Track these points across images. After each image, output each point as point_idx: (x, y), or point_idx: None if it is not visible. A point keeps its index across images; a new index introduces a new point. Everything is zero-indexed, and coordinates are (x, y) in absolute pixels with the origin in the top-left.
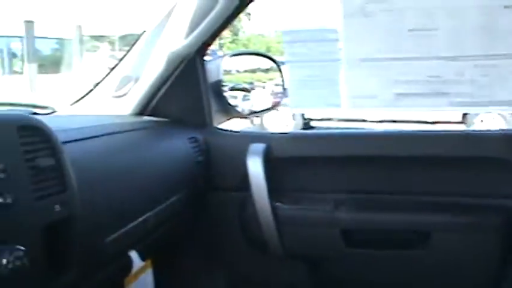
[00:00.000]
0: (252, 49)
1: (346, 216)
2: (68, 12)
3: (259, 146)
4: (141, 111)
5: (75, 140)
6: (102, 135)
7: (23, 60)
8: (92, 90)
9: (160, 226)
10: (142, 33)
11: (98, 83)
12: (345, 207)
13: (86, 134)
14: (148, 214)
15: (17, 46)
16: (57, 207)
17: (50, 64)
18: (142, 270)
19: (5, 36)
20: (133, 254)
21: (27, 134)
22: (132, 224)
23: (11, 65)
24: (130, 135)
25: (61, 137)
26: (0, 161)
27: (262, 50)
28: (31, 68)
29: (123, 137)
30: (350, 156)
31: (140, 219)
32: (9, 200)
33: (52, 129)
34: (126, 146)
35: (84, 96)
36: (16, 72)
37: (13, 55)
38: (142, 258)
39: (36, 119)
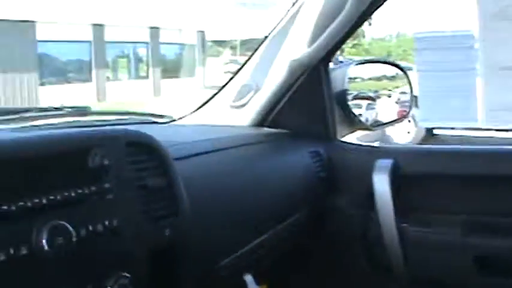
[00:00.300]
0: (374, 55)
1: (480, 242)
2: (191, 18)
3: (386, 162)
4: (261, 122)
5: (188, 156)
6: (218, 150)
7: (147, 65)
8: (211, 99)
9: (278, 247)
10: (264, 40)
11: (218, 91)
12: (479, 231)
13: (200, 149)
14: (265, 236)
15: (142, 52)
16: (167, 231)
17: (173, 69)
18: None
19: (132, 42)
20: (249, 278)
21: (137, 151)
22: (247, 247)
23: (137, 70)
24: (248, 149)
25: (173, 153)
26: (107, 181)
27: (383, 55)
28: (155, 72)
29: (240, 151)
30: (485, 175)
31: (256, 241)
32: (115, 223)
33: (163, 146)
34: (244, 161)
35: (203, 105)
36: (141, 77)
37: (139, 60)
38: (257, 281)
39: (146, 135)
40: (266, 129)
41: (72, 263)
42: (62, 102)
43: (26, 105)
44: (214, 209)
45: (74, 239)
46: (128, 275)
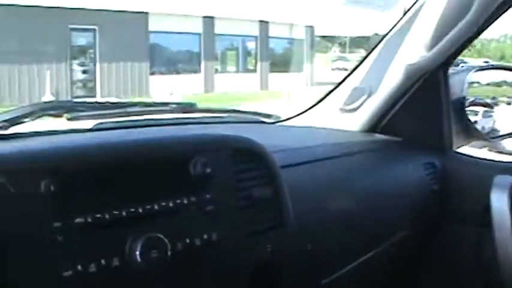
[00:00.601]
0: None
1: None
2: (301, 13)
3: (506, 179)
4: (372, 128)
5: (296, 164)
6: (328, 158)
7: (256, 59)
8: (320, 100)
9: (386, 265)
10: (378, 42)
11: (328, 93)
12: None
13: (308, 156)
14: (373, 252)
15: (251, 45)
16: (270, 246)
17: (281, 63)
18: None
19: (241, 35)
20: None
21: (242, 159)
22: (353, 264)
23: (245, 63)
24: (359, 158)
25: (280, 160)
26: (208, 190)
27: (497, 57)
28: (263, 66)
29: (351, 160)
30: None
31: (363, 258)
32: (214, 237)
33: (271, 153)
34: (354, 171)
35: (312, 106)
36: (249, 70)
37: (247, 53)
38: None
39: (253, 142)
40: (378, 136)
41: (166, 278)
42: (171, 90)
43: (136, 93)
44: (321, 223)
45: (169, 253)
46: None
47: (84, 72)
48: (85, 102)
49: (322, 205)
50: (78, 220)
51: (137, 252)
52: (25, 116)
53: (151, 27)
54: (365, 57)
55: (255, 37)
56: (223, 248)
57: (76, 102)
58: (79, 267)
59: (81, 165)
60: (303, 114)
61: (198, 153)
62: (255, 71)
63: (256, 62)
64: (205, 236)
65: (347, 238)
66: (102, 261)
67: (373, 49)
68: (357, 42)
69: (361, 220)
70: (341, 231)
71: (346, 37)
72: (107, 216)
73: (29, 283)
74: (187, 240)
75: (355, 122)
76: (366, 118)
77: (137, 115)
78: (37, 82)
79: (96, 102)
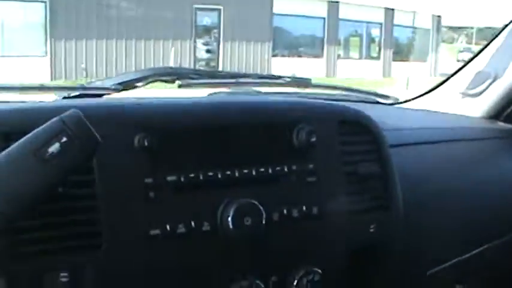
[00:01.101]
0: None
1: None
2: (428, 2)
3: None
4: (495, 115)
5: (408, 144)
6: (444, 141)
7: (379, 46)
8: (441, 84)
9: (502, 259)
10: (504, 27)
11: (449, 77)
12: None
13: (422, 138)
14: (487, 245)
15: (375, 32)
16: (373, 228)
17: (405, 52)
18: None
19: (366, 21)
20: None
21: (350, 132)
22: (464, 256)
23: (368, 50)
24: (478, 145)
25: (391, 138)
26: (311, 160)
27: None
28: (386, 54)
29: (468, 145)
30: None
31: (476, 251)
32: (315, 211)
33: (381, 129)
34: (471, 158)
35: (431, 90)
36: (372, 57)
37: (371, 40)
38: None
39: (363, 114)
40: (501, 124)
41: (258, 249)
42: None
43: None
44: (429, 208)
45: (263, 222)
46: (319, 270)
47: (207, 51)
48: (198, 70)
49: (432, 190)
50: (170, 178)
51: (230, 218)
52: (138, 80)
53: (275, 10)
54: (490, 41)
55: (380, 24)
56: (323, 223)
57: (189, 69)
58: (167, 226)
59: (180, 122)
60: (421, 97)
61: (304, 121)
62: (378, 58)
63: (379, 49)
64: (304, 208)
65: (457, 228)
66: (192, 224)
67: (500, 32)
68: (484, 33)
69: (474, 211)
70: (450, 221)
71: (472, 28)
72: (201, 177)
73: (116, 237)
74: (285, 211)
75: (477, 107)
76: (489, 104)
77: (250, 85)
78: (161, 59)
79: (209, 71)
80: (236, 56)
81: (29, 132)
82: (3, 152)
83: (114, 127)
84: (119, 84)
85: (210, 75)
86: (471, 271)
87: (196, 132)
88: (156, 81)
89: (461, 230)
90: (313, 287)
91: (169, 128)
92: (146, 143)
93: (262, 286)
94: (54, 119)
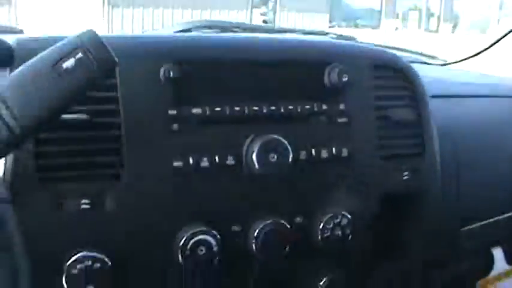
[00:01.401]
0: None
1: None
2: None
3: None
4: None
5: (450, 96)
6: (487, 96)
7: (438, 20)
8: (490, 46)
9: None
10: None
11: (499, 39)
12: None
13: (466, 91)
14: None
15: (435, 7)
16: (407, 175)
17: (464, 26)
18: (506, 274)
19: None
20: (498, 253)
21: (386, 76)
22: (502, 216)
23: (427, 23)
24: None
25: (433, 89)
26: (342, 101)
27: None
28: (446, 28)
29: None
30: None
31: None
32: (344, 153)
33: (418, 76)
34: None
35: (480, 51)
36: (431, 31)
37: (430, 15)
38: (510, 260)
39: (399, 59)
40: None
41: (283, 188)
42: None
43: None
44: (467, 163)
45: (290, 160)
46: (348, 214)
47: (264, 22)
48: (240, 23)
49: (470, 143)
50: (195, 111)
51: (254, 153)
52: (180, 32)
53: None
54: None
55: None
56: (353, 166)
57: (230, 22)
58: (190, 159)
59: (208, 55)
60: (472, 58)
61: (337, 60)
62: (436, 31)
63: (438, 23)
64: (333, 149)
65: (495, 184)
66: (216, 158)
67: None
68: None
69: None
70: (491, 176)
71: None
72: (227, 111)
73: (138, 167)
74: (313, 151)
75: None
76: None
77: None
78: None
79: (252, 25)
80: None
81: None
82: (25, 64)
83: (140, 57)
84: None
85: (252, 28)
86: (507, 233)
87: (225, 66)
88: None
89: (500, 188)
90: (341, 231)
91: (196, 60)
92: (172, 74)
93: (288, 226)
94: (71, 36)
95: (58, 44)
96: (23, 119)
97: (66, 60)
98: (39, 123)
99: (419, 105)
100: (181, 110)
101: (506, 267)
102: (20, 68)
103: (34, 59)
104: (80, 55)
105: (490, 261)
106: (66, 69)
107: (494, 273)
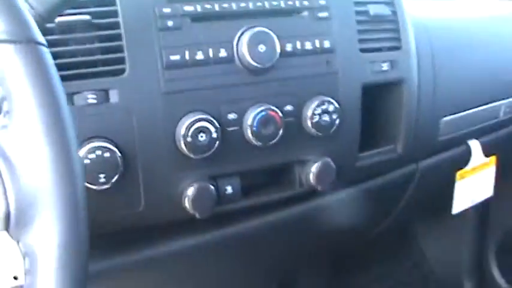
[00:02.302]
0: None
1: None
2: None
3: None
4: None
5: None
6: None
7: None
8: None
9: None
10: None
11: None
12: None
13: None
14: (501, 102)
15: None
16: (385, 66)
17: None
18: (482, 166)
19: None
20: (475, 145)
21: None
22: (477, 109)
23: None
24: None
25: None
26: None
27: None
28: None
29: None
30: None
31: (490, 106)
32: (326, 45)
33: None
34: (492, 12)
35: None
36: None
37: None
38: (485, 153)
39: None
40: None
41: (272, 77)
42: None
43: None
44: (446, 57)
45: (278, 51)
46: (334, 101)
47: None
48: None
49: (451, 40)
50: (187, 8)
51: (244, 45)
52: None
53: None
54: None
55: None
56: (335, 56)
57: None
58: (186, 53)
59: None
60: None
61: None
62: None
63: None
64: (316, 42)
65: (473, 79)
66: (210, 51)
67: None
68: None
69: (489, 65)
70: (466, 70)
71: None
72: (216, 7)
73: (138, 62)
74: (298, 43)
75: None
76: None
77: None
78: None
79: None
80: None
81: None
82: None
83: None
84: None
85: None
86: (484, 126)
87: None
88: None
89: (476, 81)
90: (329, 116)
91: None
92: None
93: (277, 111)
94: None
95: None
96: (40, 6)
97: None
98: (56, 11)
99: (394, 2)
100: (175, 8)
101: (484, 159)
102: None
103: None
104: None
105: (468, 154)
106: None
107: (471, 164)
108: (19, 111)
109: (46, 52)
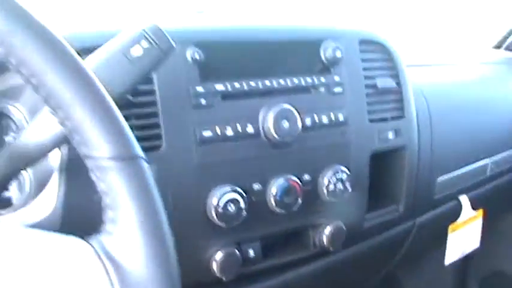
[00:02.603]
0: None
1: None
2: None
3: None
4: (499, 44)
5: (421, 65)
6: (455, 64)
7: None
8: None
9: (499, 176)
10: None
11: None
12: None
13: (434, 61)
14: (487, 160)
15: None
16: (391, 134)
17: None
18: (471, 219)
19: None
20: (464, 200)
21: (369, 50)
22: (468, 168)
23: None
24: (486, 68)
25: (408, 59)
26: (337, 73)
27: None
28: None
29: (478, 68)
30: None
31: (478, 164)
32: (341, 117)
33: (396, 49)
34: (478, 79)
35: None
36: None
37: None
38: (474, 206)
39: (381, 35)
40: (504, 52)
41: (293, 149)
42: None
43: None
44: (441, 121)
45: (299, 126)
46: (346, 170)
47: None
48: None
49: (444, 105)
50: (218, 87)
51: (271, 122)
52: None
53: None
54: None
55: None
56: (348, 128)
57: None
58: (217, 129)
59: (225, 38)
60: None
61: (330, 38)
62: None
63: None
64: (332, 115)
65: (465, 140)
66: (238, 127)
67: None
68: None
69: (479, 127)
70: (460, 132)
71: None
72: (244, 86)
73: (174, 138)
74: (316, 117)
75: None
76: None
77: None
78: None
79: None
80: None
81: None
82: (99, 49)
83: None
84: None
85: None
86: (473, 182)
87: (241, 47)
88: None
89: (468, 141)
90: (342, 183)
91: (216, 42)
92: (197, 56)
93: (298, 181)
94: (136, 27)
95: (124, 34)
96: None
97: (135, 49)
98: (126, 93)
99: (399, 74)
100: (207, 87)
101: (471, 212)
102: (92, 55)
103: (107, 44)
104: (146, 45)
105: (459, 208)
106: (136, 57)
107: (462, 218)
108: (124, 220)
109: (147, 166)
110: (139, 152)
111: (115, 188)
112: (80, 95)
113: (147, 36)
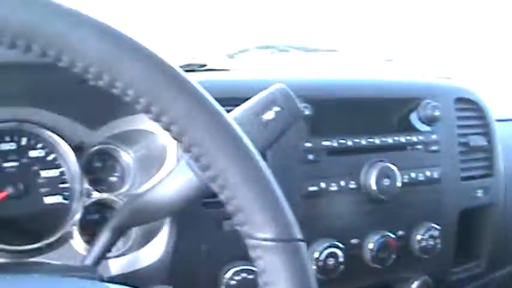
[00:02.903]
0: None
1: None
2: None
3: None
4: None
5: (509, 120)
6: None
7: None
8: None
9: None
10: None
11: None
12: None
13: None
14: None
15: None
16: (480, 192)
17: None
18: None
19: None
20: None
21: (464, 108)
22: None
23: None
24: None
25: (496, 114)
26: (435, 131)
27: None
28: None
29: None
30: None
31: None
32: (436, 175)
33: (488, 106)
34: None
35: None
36: None
37: None
38: None
39: (475, 93)
40: None
41: (390, 205)
42: None
43: None
44: None
45: (400, 184)
46: (438, 227)
47: None
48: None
49: None
50: (325, 143)
51: (372, 178)
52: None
53: None
54: None
55: None
56: (442, 186)
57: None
58: (322, 184)
59: (333, 95)
60: None
61: (429, 97)
62: None
63: None
64: (428, 173)
65: None
66: (341, 182)
67: None
68: None
69: None
70: None
71: None
72: (349, 142)
73: (283, 192)
74: (413, 175)
75: None
76: None
77: None
78: None
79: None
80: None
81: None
82: (234, 111)
83: None
84: None
85: (307, 49)
86: None
87: (345, 104)
88: None
89: None
90: (433, 240)
91: (324, 99)
92: (307, 112)
93: (393, 237)
94: (268, 92)
95: (257, 98)
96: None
97: (266, 113)
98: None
99: (490, 132)
100: (315, 143)
101: None
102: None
103: (241, 108)
104: (277, 109)
105: None
106: (268, 120)
107: None
108: None
109: (304, 246)
110: (299, 233)
111: (276, 268)
112: (249, 177)
113: (279, 100)
